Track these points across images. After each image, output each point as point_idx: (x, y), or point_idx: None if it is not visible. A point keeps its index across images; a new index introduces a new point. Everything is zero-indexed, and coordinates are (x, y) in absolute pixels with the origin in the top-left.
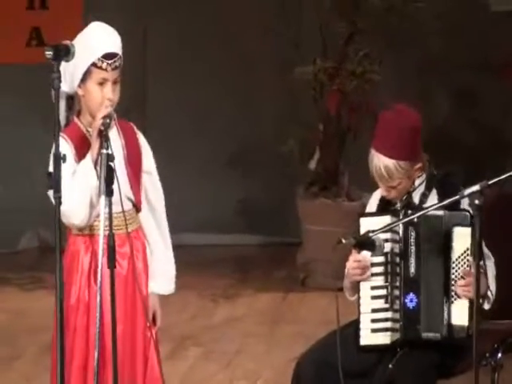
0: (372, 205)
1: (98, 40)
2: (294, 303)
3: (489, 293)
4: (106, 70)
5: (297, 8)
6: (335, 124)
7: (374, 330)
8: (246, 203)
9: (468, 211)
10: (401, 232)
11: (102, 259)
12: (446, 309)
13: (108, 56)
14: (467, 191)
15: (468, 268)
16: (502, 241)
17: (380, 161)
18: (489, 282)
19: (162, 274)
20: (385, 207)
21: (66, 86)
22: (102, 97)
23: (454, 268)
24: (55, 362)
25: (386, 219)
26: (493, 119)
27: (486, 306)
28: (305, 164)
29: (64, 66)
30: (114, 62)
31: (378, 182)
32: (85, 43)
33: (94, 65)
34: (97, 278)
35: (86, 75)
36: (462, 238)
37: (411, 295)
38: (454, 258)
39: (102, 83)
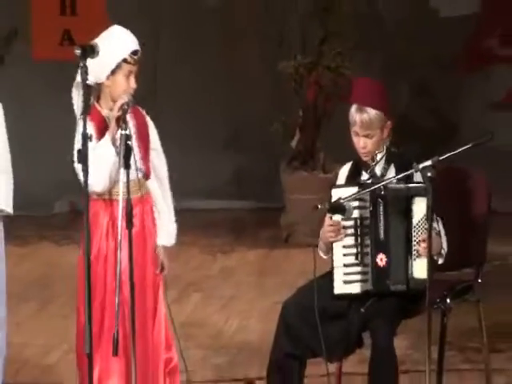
0: (341, 177)
1: (125, 39)
2: (279, 257)
3: (442, 251)
4: (133, 64)
5: (280, 13)
6: (312, 110)
7: (346, 282)
8: (238, 175)
9: (424, 183)
10: (369, 200)
11: (121, 220)
12: (409, 265)
13: (135, 52)
14: (421, 165)
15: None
16: (448, 207)
17: (362, 110)
18: (442, 241)
19: (165, 230)
20: (352, 180)
21: (92, 77)
22: (127, 86)
23: (415, 231)
24: (82, 301)
25: (354, 189)
26: (443, 107)
27: (440, 261)
28: (287, 143)
29: (89, 63)
30: (138, 57)
31: (358, 132)
32: (114, 43)
33: (124, 60)
34: (113, 235)
35: (116, 69)
36: (420, 206)
37: (381, 255)
38: (414, 223)
39: (128, 75)
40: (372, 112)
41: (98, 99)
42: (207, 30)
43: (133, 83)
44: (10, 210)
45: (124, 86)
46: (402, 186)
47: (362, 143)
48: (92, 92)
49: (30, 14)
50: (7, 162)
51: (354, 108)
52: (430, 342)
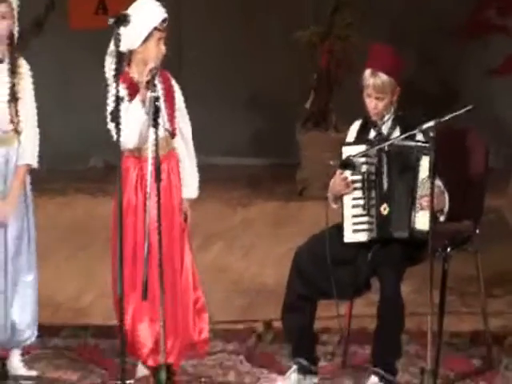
0: (351, 135)
1: (155, 9)
2: (294, 209)
3: (444, 209)
4: (162, 31)
5: None
6: (325, 76)
7: (355, 231)
8: (256, 133)
9: (427, 142)
10: (375, 157)
11: (150, 175)
12: (412, 216)
13: (164, 20)
14: (424, 126)
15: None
16: (449, 165)
17: (376, 75)
18: (445, 200)
19: (189, 184)
20: (361, 137)
21: (126, 44)
22: (158, 52)
23: (419, 187)
24: (115, 248)
25: (362, 147)
26: (445, 73)
27: (442, 219)
28: (302, 104)
29: (122, 31)
30: (166, 24)
31: (371, 95)
32: (145, 12)
33: (155, 28)
34: (143, 189)
35: (148, 36)
36: (424, 164)
37: (384, 205)
38: (419, 179)
39: (158, 42)
40: (384, 77)
41: (129, 65)
42: (229, 2)
43: (163, 49)
44: (35, 164)
45: (155, 52)
46: (405, 143)
47: (374, 104)
48: (124, 58)
49: None
50: (34, 120)
51: (368, 72)
52: (432, 287)
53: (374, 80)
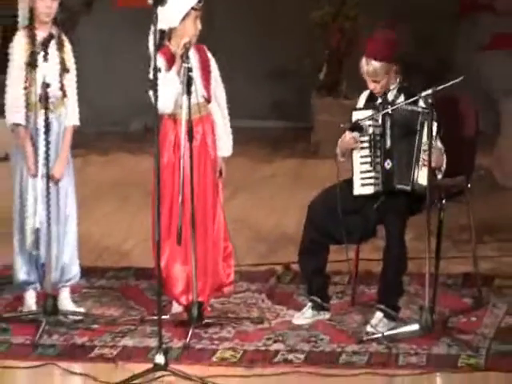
0: (360, 102)
1: None
2: (309, 166)
3: (442, 168)
4: (198, 10)
5: None
6: (336, 51)
7: (363, 185)
8: (278, 100)
9: (427, 108)
10: (380, 120)
11: (184, 136)
12: (414, 172)
13: (200, 1)
14: (424, 93)
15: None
16: (446, 128)
17: (368, 63)
18: (444, 159)
19: (224, 144)
20: (369, 103)
21: (163, 24)
22: (195, 28)
23: (421, 146)
24: (154, 199)
25: (369, 112)
26: (440, 50)
27: (439, 176)
28: (316, 75)
29: (159, 10)
30: (202, 4)
31: (368, 78)
32: None
33: (192, 8)
34: (178, 148)
35: (186, 15)
36: (424, 127)
37: (388, 161)
38: (423, 140)
39: (195, 20)
40: (376, 64)
41: (169, 40)
42: None
43: (199, 26)
44: (78, 123)
45: (192, 29)
46: (406, 107)
47: (373, 86)
48: (165, 34)
49: None
50: (75, 87)
51: (363, 61)
52: (430, 235)
53: (367, 67)
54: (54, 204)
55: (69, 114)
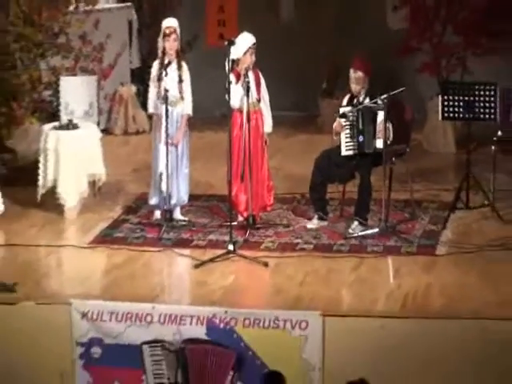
0: (344, 101)
1: (250, 37)
2: (317, 138)
3: (390, 139)
4: (253, 48)
5: None
6: (333, 74)
7: (347, 149)
8: (294, 97)
9: (382, 105)
10: (356, 112)
11: (245, 120)
12: (375, 141)
13: (254, 43)
14: (381, 97)
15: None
16: (394, 116)
17: (356, 72)
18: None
19: (268, 124)
20: (349, 102)
21: (233, 55)
22: (251, 59)
23: (378, 127)
24: (227, 157)
25: (350, 108)
26: (392, 71)
27: (388, 142)
28: (321, 84)
29: (232, 48)
30: (255, 45)
31: (353, 82)
32: (244, 39)
33: (249, 47)
34: (242, 127)
35: (246, 51)
36: (381, 115)
37: (360, 136)
38: (378, 123)
39: (250, 54)
40: (359, 73)
41: (237, 65)
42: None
43: (253, 58)
44: (191, 113)
45: (249, 59)
46: (370, 105)
47: (354, 87)
48: (235, 62)
49: (200, 24)
50: (189, 90)
51: (351, 70)
52: (385, 177)
53: (354, 75)
54: (174, 158)
55: (184, 107)
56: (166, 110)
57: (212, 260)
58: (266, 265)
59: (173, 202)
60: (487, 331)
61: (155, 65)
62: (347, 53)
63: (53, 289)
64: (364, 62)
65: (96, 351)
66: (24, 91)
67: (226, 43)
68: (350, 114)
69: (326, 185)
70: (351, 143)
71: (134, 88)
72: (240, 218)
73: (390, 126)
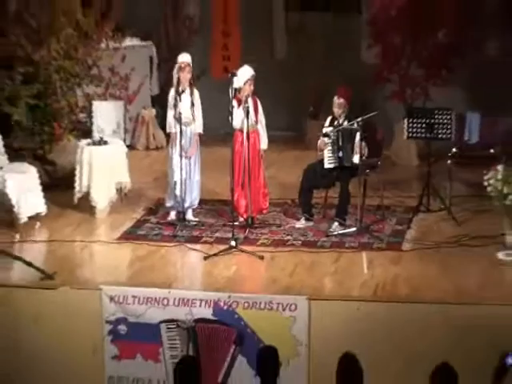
0: (326, 123)
1: (249, 70)
2: (305, 153)
3: (365, 156)
4: (252, 79)
5: None
6: (318, 100)
7: (329, 163)
8: (285, 119)
9: (358, 127)
10: (336, 132)
11: (245, 138)
12: (353, 157)
13: (253, 75)
14: (357, 120)
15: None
16: (368, 136)
17: (340, 99)
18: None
19: (263, 141)
20: (331, 124)
21: (236, 84)
22: (250, 88)
23: (356, 145)
24: (231, 168)
25: (331, 128)
26: (365, 98)
27: (364, 158)
28: (308, 108)
29: (234, 79)
30: (254, 76)
31: (336, 107)
32: (244, 71)
33: (248, 78)
34: (242, 144)
35: (246, 81)
36: (357, 136)
37: (340, 152)
38: (356, 142)
39: (250, 84)
40: (341, 100)
41: (239, 92)
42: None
43: (252, 87)
44: (202, 131)
45: (249, 88)
46: (349, 127)
47: (336, 111)
48: (237, 90)
49: (208, 59)
50: (200, 113)
51: (335, 97)
52: (361, 187)
53: (338, 101)
54: (188, 168)
55: (196, 126)
56: (181, 129)
57: (217, 254)
58: (262, 258)
59: (186, 204)
60: (447, 314)
61: (171, 92)
62: (330, 83)
63: (86, 277)
64: (346, 90)
65: (122, 328)
66: (63, 114)
67: (230, 75)
68: (332, 133)
69: (312, 191)
70: (333, 158)
71: (154, 111)
72: (241, 219)
73: (364, 143)
